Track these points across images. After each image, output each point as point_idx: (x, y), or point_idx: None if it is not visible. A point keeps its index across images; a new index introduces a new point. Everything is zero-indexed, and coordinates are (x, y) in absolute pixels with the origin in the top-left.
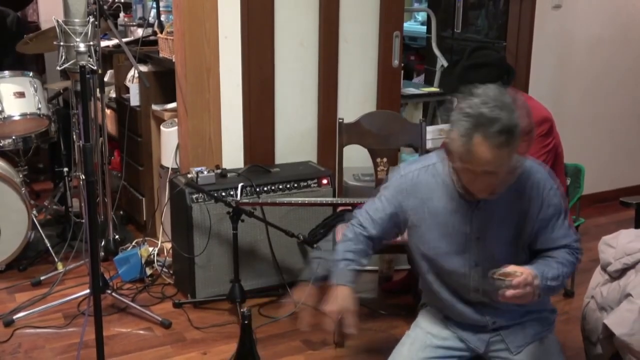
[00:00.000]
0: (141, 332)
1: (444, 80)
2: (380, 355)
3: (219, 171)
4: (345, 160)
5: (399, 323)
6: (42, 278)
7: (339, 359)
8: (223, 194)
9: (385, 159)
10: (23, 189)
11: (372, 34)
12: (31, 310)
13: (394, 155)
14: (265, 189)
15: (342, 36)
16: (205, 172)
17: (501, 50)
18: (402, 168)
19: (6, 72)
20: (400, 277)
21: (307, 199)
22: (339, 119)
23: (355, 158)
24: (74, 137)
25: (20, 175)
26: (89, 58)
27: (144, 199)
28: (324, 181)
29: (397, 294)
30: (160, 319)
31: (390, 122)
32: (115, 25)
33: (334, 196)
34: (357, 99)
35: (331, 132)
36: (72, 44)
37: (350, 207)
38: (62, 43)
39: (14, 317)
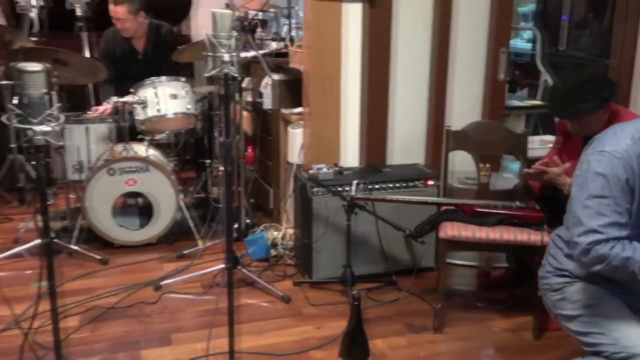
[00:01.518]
0: (265, 304)
1: (550, 101)
2: (475, 342)
3: (337, 169)
4: (450, 164)
5: (494, 316)
6: (185, 252)
7: (437, 343)
8: (340, 189)
9: (487, 165)
10: (173, 176)
11: (480, 49)
12: (176, 279)
13: (497, 162)
14: (377, 186)
15: (452, 50)
16: (325, 169)
17: (603, 67)
18: (606, 154)
19: (163, 77)
20: (498, 273)
21: (414, 197)
22: (446, 126)
23: (460, 162)
24: (216, 134)
25: (171, 164)
26: (232, 67)
27: (271, 189)
28: (430, 182)
29: (494, 288)
30: (281, 295)
31: (494, 131)
32: (253, 39)
33: (438, 196)
34: (463, 108)
35: (438, 138)
36: (218, 55)
37: (452, 206)
38: (210, 53)
39: (162, 283)
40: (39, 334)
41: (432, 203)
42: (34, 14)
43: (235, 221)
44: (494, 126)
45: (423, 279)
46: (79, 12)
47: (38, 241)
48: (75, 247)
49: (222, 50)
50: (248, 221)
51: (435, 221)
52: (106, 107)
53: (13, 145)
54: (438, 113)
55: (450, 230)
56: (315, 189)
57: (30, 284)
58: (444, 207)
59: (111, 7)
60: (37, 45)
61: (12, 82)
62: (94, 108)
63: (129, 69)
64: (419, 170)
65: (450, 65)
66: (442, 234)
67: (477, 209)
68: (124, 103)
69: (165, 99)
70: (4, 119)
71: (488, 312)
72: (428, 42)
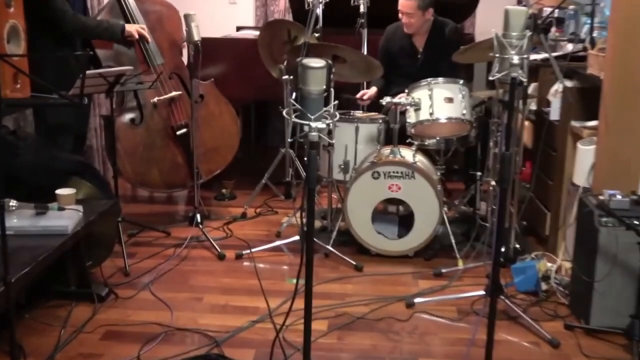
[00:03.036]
0: (528, 345)
1: None
2: None
3: (634, 197)
4: None
5: None
6: (443, 270)
7: None
8: (636, 222)
9: None
10: (439, 185)
11: None
12: (430, 298)
13: None
14: None
15: None
16: (619, 196)
17: None
18: None
19: (440, 79)
20: None
21: None
22: None
23: None
24: (491, 144)
25: (438, 173)
26: (520, 70)
27: (549, 213)
28: None
29: None
30: (549, 337)
31: None
32: (546, 39)
33: None
34: None
35: None
36: (506, 56)
37: None
38: (497, 54)
39: (415, 300)
40: (289, 331)
41: None
42: (320, 10)
43: (503, 244)
44: None
45: None
46: (362, 9)
47: (297, 238)
48: (332, 249)
49: (512, 52)
50: (517, 246)
51: None
52: (372, 92)
53: (289, 140)
54: None
55: None
56: (604, 219)
57: (285, 279)
58: None
59: (401, 0)
60: (320, 42)
61: (293, 77)
62: (362, 92)
63: (406, 67)
64: None
65: None
66: None
67: None
68: (396, 104)
69: (439, 102)
70: (285, 113)
71: None
72: None
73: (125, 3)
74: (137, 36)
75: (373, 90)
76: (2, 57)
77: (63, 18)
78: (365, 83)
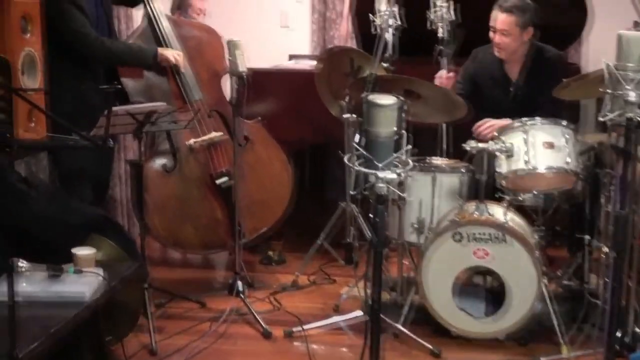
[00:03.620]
0: None
1: None
2: None
3: None
4: None
5: None
6: (542, 359)
7: None
8: None
9: None
10: (537, 252)
11: None
12: None
13: None
14: None
15: None
16: None
17: None
18: None
19: (538, 119)
20: None
21: None
22: None
23: None
24: (603, 200)
25: (536, 236)
26: (638, 109)
27: None
28: None
29: None
30: None
31: None
32: None
33: None
34: None
35: None
36: (620, 92)
37: None
38: (608, 90)
39: None
40: None
41: None
42: (390, 35)
43: (620, 327)
44: None
45: None
46: (440, 34)
47: (360, 314)
48: (403, 329)
49: (628, 87)
50: (637, 330)
51: None
52: (450, 76)
53: (352, 192)
54: None
55: None
56: None
57: None
58: None
59: (497, 14)
60: (389, 74)
61: (357, 116)
62: (484, 121)
63: (495, 100)
64: None
65: None
66: None
67: None
68: (484, 149)
69: (537, 148)
70: (346, 159)
71: None
72: None
73: (159, 26)
74: (172, 61)
75: (504, 120)
76: (16, 92)
77: (84, 42)
78: (444, 125)
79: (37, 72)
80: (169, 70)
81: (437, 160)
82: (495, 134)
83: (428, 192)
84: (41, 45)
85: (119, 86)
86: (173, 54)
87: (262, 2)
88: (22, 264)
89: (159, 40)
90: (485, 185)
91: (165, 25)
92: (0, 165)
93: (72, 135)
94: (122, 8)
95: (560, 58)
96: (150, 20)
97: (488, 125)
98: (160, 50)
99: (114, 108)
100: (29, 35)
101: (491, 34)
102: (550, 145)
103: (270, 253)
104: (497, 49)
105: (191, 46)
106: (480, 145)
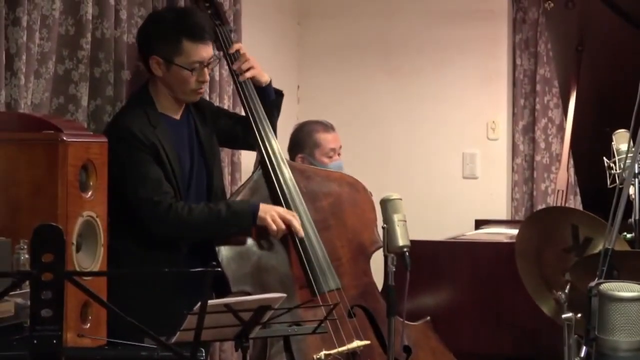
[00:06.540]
0: None
1: None
2: None
3: None
4: None
5: None
6: None
7: None
8: None
9: None
10: None
11: None
12: None
13: None
14: None
15: None
16: None
17: None
18: None
19: None
20: None
21: None
22: None
23: None
24: None
25: None
26: None
27: None
28: None
29: None
30: None
31: None
32: None
33: None
34: None
35: None
36: None
37: None
38: None
39: None
40: None
41: None
42: (637, 190)
43: None
44: None
45: None
46: None
47: None
48: None
49: None
50: None
51: None
52: None
53: None
54: None
55: None
56: None
57: None
58: None
59: None
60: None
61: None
62: None
63: None
64: None
65: None
66: None
67: None
68: None
69: None
70: None
71: None
72: None
73: (276, 176)
74: (272, 227)
75: None
76: (68, 277)
77: (149, 213)
78: None
79: (98, 246)
80: (290, 243)
81: None
82: None
83: None
84: (106, 206)
85: (219, 269)
86: (282, 212)
87: (434, 141)
88: None
89: (277, 197)
90: None
91: (287, 176)
92: None
93: (145, 342)
94: (226, 151)
95: None
96: (265, 169)
97: None
98: (262, 207)
99: (209, 301)
100: (90, 193)
101: None
102: None
103: None
104: None
105: (326, 207)
106: None
